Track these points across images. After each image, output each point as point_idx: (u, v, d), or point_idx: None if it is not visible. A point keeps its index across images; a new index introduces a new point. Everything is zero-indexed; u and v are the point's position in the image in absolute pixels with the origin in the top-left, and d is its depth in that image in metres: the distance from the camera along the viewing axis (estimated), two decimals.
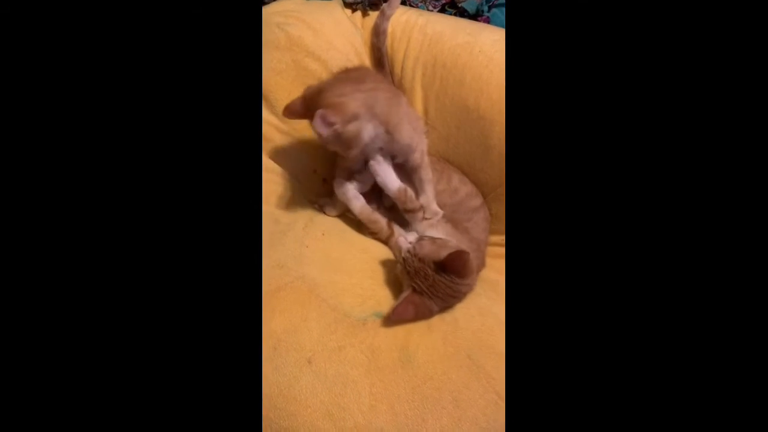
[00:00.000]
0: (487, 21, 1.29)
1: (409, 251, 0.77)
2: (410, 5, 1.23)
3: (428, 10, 1.25)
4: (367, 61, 1.07)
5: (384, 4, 1.06)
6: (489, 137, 0.96)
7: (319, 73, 0.98)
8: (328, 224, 0.93)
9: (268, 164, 0.97)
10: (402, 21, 1.05)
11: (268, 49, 0.97)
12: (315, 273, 0.78)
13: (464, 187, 0.99)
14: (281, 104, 0.96)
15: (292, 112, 0.82)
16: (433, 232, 0.87)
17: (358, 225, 0.94)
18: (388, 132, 0.82)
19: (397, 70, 1.05)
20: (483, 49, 0.96)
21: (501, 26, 1.22)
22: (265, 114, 0.97)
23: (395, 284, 0.84)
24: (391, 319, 0.72)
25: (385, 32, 1.04)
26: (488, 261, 0.96)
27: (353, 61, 1.01)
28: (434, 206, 0.91)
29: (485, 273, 0.93)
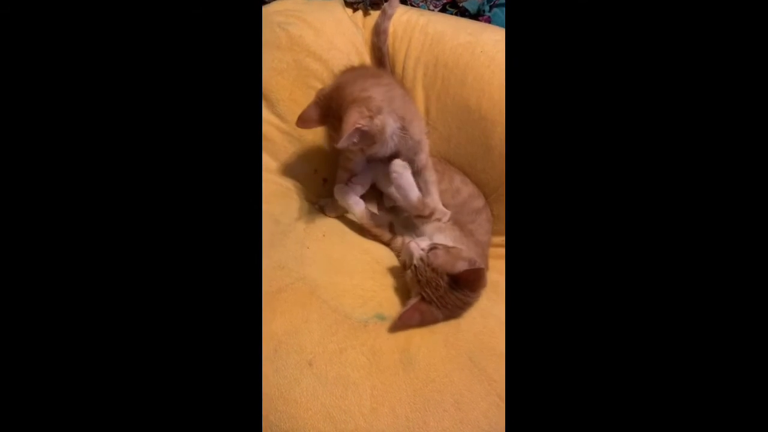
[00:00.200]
0: (489, 21, 1.29)
1: (422, 259, 0.76)
2: (411, 5, 1.23)
3: (429, 9, 1.25)
4: (368, 61, 1.06)
5: (385, 4, 1.06)
6: (490, 138, 0.96)
7: (320, 73, 0.98)
8: (329, 225, 0.93)
9: (268, 164, 0.97)
10: (403, 20, 1.05)
11: (269, 49, 0.97)
12: (316, 274, 0.78)
13: (466, 188, 0.99)
14: (282, 104, 0.96)
15: (307, 121, 0.80)
16: (442, 237, 0.86)
17: (359, 226, 0.94)
18: (403, 128, 0.81)
19: (398, 69, 1.05)
20: (485, 49, 0.95)
21: (502, 26, 1.22)
22: (266, 114, 0.97)
23: (396, 286, 0.84)
24: (396, 326, 0.72)
25: (386, 32, 1.04)
26: (490, 262, 0.96)
27: (354, 61, 1.01)
28: (441, 207, 0.90)
29: (487, 274, 0.92)
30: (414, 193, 0.85)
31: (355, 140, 0.75)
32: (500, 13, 1.29)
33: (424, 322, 0.73)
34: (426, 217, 0.87)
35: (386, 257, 0.89)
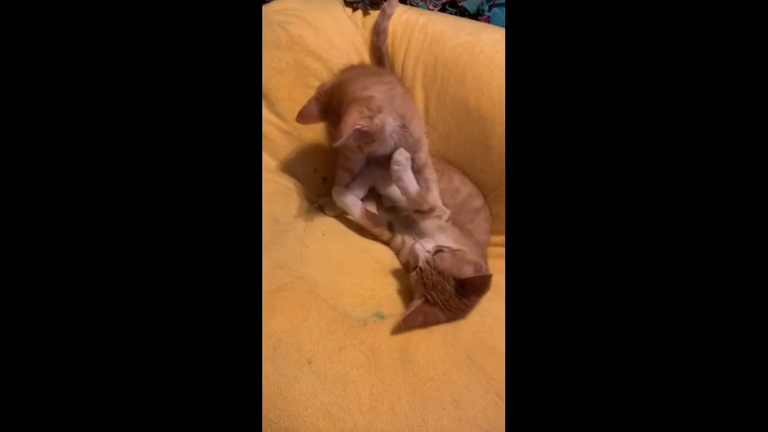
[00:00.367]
0: (488, 20, 1.29)
1: (427, 262, 0.76)
2: (411, 4, 1.23)
3: (429, 9, 1.25)
4: (367, 60, 1.06)
5: (385, 3, 1.06)
6: (490, 137, 0.96)
7: (319, 72, 0.98)
8: (329, 224, 0.93)
9: (267, 163, 0.97)
10: (403, 20, 1.05)
11: (269, 48, 0.97)
12: (315, 273, 0.78)
13: (465, 188, 0.99)
14: (282, 103, 0.96)
15: (307, 116, 0.80)
16: (443, 237, 0.86)
17: (359, 225, 0.94)
18: (403, 126, 0.81)
19: (398, 69, 1.05)
20: (484, 49, 0.95)
21: (502, 26, 1.22)
22: (265, 113, 0.97)
23: (395, 285, 0.84)
24: (400, 327, 0.72)
25: (385, 31, 1.04)
26: (489, 261, 0.96)
27: (354, 60, 1.01)
28: (441, 205, 0.90)
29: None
30: (413, 186, 0.85)
31: (352, 140, 0.75)
32: (500, 12, 1.29)
33: (427, 323, 0.73)
34: (425, 212, 0.87)
35: (386, 256, 0.89)
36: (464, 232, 0.91)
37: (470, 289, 0.74)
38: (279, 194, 0.93)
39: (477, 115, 0.96)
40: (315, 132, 1.00)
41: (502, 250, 0.99)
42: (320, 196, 1.00)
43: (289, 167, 0.99)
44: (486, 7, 1.29)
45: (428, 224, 0.88)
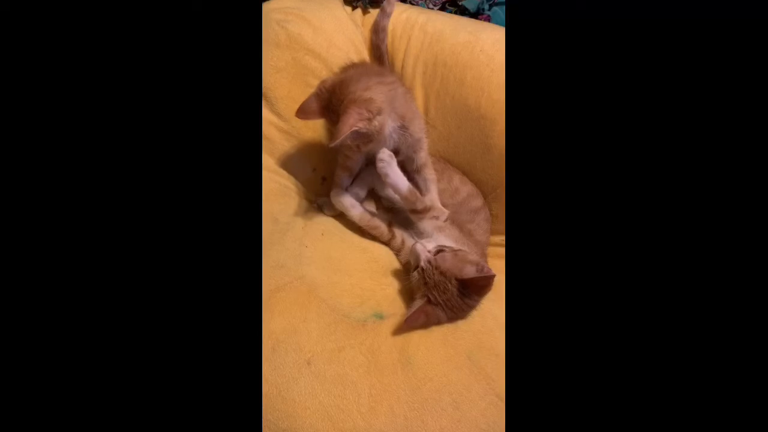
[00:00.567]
0: (488, 19, 1.29)
1: (429, 262, 0.76)
2: (411, 3, 1.23)
3: (429, 8, 1.25)
4: (367, 59, 1.06)
5: (384, 2, 1.06)
6: (490, 137, 0.96)
7: (319, 71, 0.98)
8: (328, 224, 0.92)
9: (266, 163, 0.97)
10: (402, 19, 1.04)
11: (268, 47, 0.96)
12: (314, 273, 0.78)
13: (465, 188, 0.99)
14: (281, 102, 0.96)
15: (306, 112, 0.79)
16: (442, 237, 0.86)
17: (358, 225, 0.93)
18: (403, 127, 0.81)
19: (398, 68, 1.05)
20: (484, 48, 0.95)
21: (501, 25, 1.22)
22: (265, 112, 0.97)
23: (395, 285, 0.84)
24: (402, 328, 0.72)
25: (385, 30, 1.04)
26: (489, 261, 0.96)
27: (353, 59, 1.01)
28: (439, 205, 0.90)
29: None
30: (403, 182, 0.84)
31: (348, 142, 0.75)
32: (500, 11, 1.29)
33: (428, 323, 0.74)
34: (420, 212, 0.87)
35: (385, 256, 0.89)
36: (464, 232, 0.90)
37: (473, 289, 0.74)
38: (278, 193, 0.93)
39: (477, 115, 0.96)
40: (314, 131, 0.99)
41: (502, 250, 0.99)
42: (319, 196, 0.99)
43: (288, 166, 0.99)
44: (486, 6, 1.29)
45: (426, 224, 0.88)
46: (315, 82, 0.95)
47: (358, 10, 1.08)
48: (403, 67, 1.04)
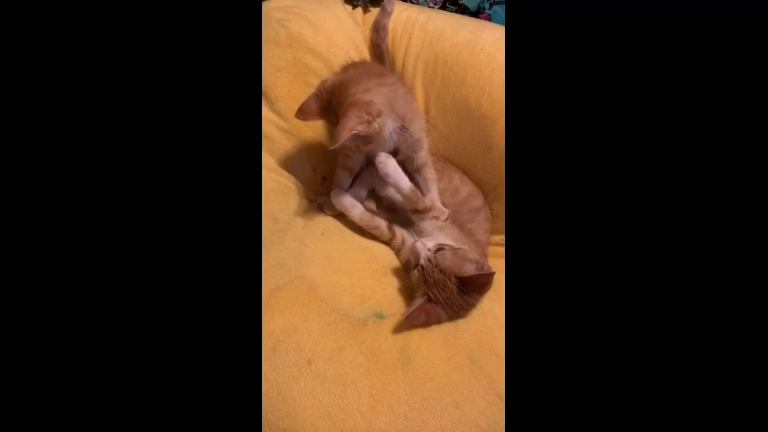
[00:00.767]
0: (489, 18, 1.29)
1: (429, 260, 0.76)
2: (411, 2, 1.22)
3: (429, 6, 1.24)
4: (367, 58, 1.06)
5: (385, 1, 1.05)
6: (490, 136, 0.95)
7: (319, 70, 0.98)
8: (328, 223, 0.92)
9: (267, 162, 0.97)
10: (403, 18, 1.04)
11: (268, 46, 0.96)
12: (315, 272, 0.78)
13: (465, 187, 0.99)
14: (281, 101, 0.96)
15: (306, 113, 0.79)
16: (442, 236, 0.86)
17: (358, 225, 0.93)
18: (403, 127, 0.81)
19: (398, 67, 1.05)
20: (485, 47, 0.95)
21: (502, 24, 1.22)
22: (264, 111, 0.97)
23: (395, 284, 0.84)
24: (402, 326, 0.72)
25: (385, 29, 1.04)
26: (489, 261, 0.96)
27: (354, 58, 1.01)
28: (440, 205, 0.90)
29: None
30: (404, 181, 0.84)
31: (348, 144, 0.75)
32: (500, 10, 1.29)
33: (429, 322, 0.74)
34: (421, 212, 0.87)
35: (385, 256, 0.89)
36: (464, 231, 0.90)
37: (473, 286, 0.74)
38: (278, 193, 0.93)
39: (477, 114, 0.95)
40: (314, 130, 0.99)
41: (503, 250, 0.99)
42: (320, 195, 0.99)
43: (288, 166, 0.99)
44: (486, 5, 1.29)
45: (427, 224, 0.88)
46: (315, 81, 0.95)
47: (359, 9, 1.08)
48: (403, 66, 1.03)
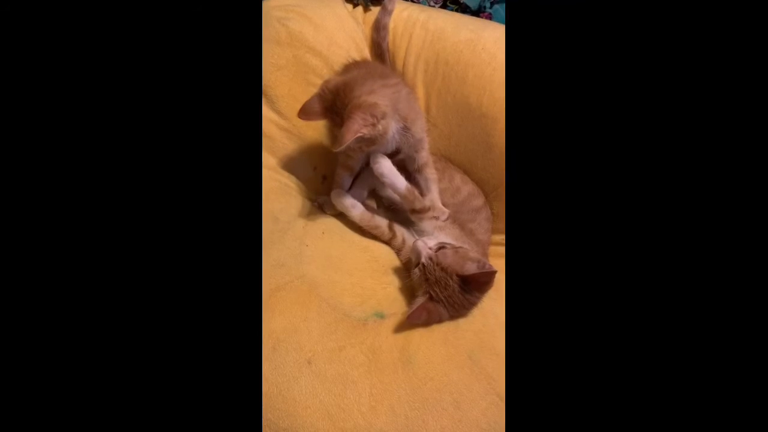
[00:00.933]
0: (490, 17, 1.28)
1: (430, 258, 0.76)
2: (412, 1, 1.22)
3: (430, 5, 1.24)
4: (368, 57, 1.06)
5: (385, 0, 1.05)
6: (491, 135, 0.95)
7: (319, 69, 0.97)
8: (328, 223, 0.92)
9: (267, 161, 0.97)
10: (404, 17, 1.04)
11: (269, 44, 0.96)
12: (315, 272, 0.78)
13: (466, 187, 0.98)
14: (281, 100, 0.95)
15: (309, 113, 0.78)
16: (443, 236, 0.86)
17: (359, 225, 0.93)
18: (406, 128, 0.81)
19: (399, 66, 1.04)
20: (486, 46, 0.95)
21: (503, 23, 1.21)
22: (265, 110, 0.96)
23: (396, 284, 0.84)
24: (403, 325, 0.72)
25: (386, 28, 1.03)
26: (490, 260, 0.95)
27: (354, 57, 1.00)
28: (440, 205, 0.90)
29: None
30: (400, 181, 0.84)
31: (350, 145, 0.75)
32: (501, 9, 1.29)
33: (430, 320, 0.74)
34: (419, 211, 0.87)
35: (386, 255, 0.89)
36: (465, 231, 0.90)
37: (474, 285, 0.74)
38: (278, 192, 0.93)
39: (478, 113, 0.95)
40: (315, 130, 0.99)
41: (503, 249, 0.99)
42: (320, 195, 0.99)
43: (288, 165, 0.99)
44: (487, 4, 1.29)
45: (427, 224, 0.88)
46: (316, 80, 0.95)
47: (359, 8, 1.08)
48: (404, 65, 1.03)
